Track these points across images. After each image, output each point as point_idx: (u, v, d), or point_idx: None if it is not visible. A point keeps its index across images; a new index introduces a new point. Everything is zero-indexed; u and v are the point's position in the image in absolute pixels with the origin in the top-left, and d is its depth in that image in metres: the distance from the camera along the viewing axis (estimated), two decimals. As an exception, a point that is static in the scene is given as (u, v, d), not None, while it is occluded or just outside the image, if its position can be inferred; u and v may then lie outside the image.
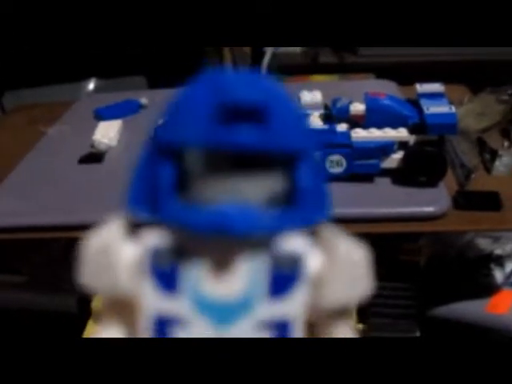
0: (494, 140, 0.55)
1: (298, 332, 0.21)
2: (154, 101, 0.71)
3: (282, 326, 0.21)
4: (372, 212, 0.48)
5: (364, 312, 0.47)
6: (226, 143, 0.19)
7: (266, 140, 0.19)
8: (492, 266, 0.53)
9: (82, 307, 0.57)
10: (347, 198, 0.49)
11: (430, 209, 0.47)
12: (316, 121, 0.54)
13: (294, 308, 0.21)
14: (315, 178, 0.20)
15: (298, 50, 1.06)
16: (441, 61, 0.88)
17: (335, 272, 0.20)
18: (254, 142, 0.19)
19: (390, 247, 0.51)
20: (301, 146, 0.19)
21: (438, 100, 0.50)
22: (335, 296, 0.21)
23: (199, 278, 0.20)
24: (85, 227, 0.52)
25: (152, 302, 0.20)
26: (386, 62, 0.94)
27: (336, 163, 0.49)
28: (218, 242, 0.19)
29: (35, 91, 0.99)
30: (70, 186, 0.56)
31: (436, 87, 0.52)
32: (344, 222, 0.48)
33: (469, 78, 0.69)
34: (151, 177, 0.20)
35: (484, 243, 0.55)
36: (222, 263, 0.20)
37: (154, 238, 0.20)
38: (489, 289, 0.52)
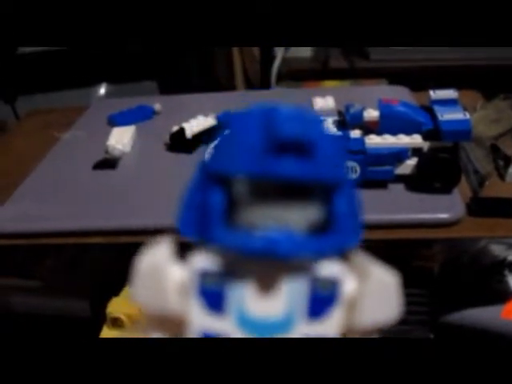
0: (507, 146, 0.55)
1: None
2: (167, 107, 0.71)
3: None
4: (386, 218, 0.48)
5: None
6: (273, 174, 0.20)
7: (310, 172, 0.20)
8: (506, 272, 0.53)
9: (96, 312, 0.57)
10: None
11: (444, 215, 0.47)
12: (330, 127, 0.54)
13: (330, 329, 0.22)
14: (350, 207, 0.21)
15: (308, 54, 1.06)
16: (453, 66, 0.88)
17: (368, 295, 0.22)
18: (299, 174, 0.20)
19: (403, 253, 0.51)
20: (339, 177, 0.21)
21: (451, 106, 0.50)
22: (368, 318, 0.22)
23: (244, 298, 0.21)
24: (98, 233, 0.52)
25: (198, 320, 0.22)
26: (398, 67, 0.94)
27: (350, 169, 0.50)
28: (263, 264, 0.21)
29: (47, 96, 1.00)
30: (84, 192, 0.56)
31: (450, 93, 0.52)
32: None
33: (482, 83, 0.69)
34: (201, 202, 0.21)
35: (498, 249, 0.54)
36: (265, 285, 0.21)
37: (202, 260, 0.21)
38: (503, 295, 0.52)
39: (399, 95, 0.60)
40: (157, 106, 0.71)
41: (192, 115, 0.63)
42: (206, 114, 0.63)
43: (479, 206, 0.49)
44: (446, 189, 0.49)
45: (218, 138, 0.22)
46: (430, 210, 0.48)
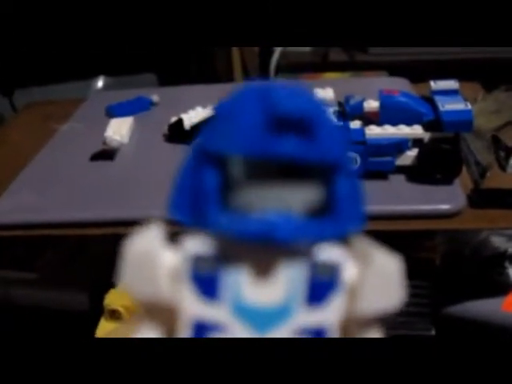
0: (508, 138, 0.54)
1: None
2: (166, 98, 0.71)
3: (318, 332, 0.21)
4: (386, 209, 0.48)
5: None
6: (271, 152, 0.19)
7: (310, 151, 0.19)
8: (507, 264, 0.53)
9: (94, 304, 0.57)
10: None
11: (445, 206, 0.47)
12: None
13: (330, 316, 0.21)
14: (352, 189, 0.20)
15: (307, 48, 1.06)
16: (453, 58, 0.88)
17: (370, 282, 0.21)
18: (299, 153, 0.19)
19: (404, 245, 0.50)
20: (340, 157, 0.20)
21: (453, 97, 0.50)
22: (369, 305, 0.21)
23: (240, 284, 0.20)
24: (97, 224, 0.52)
25: (192, 307, 0.21)
26: (397, 60, 0.93)
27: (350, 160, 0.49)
28: (259, 249, 0.20)
29: (45, 89, 0.99)
30: (82, 183, 0.56)
31: (450, 84, 0.51)
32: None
33: (482, 75, 0.68)
34: (195, 184, 0.20)
35: (499, 241, 0.54)
36: (262, 270, 0.21)
37: (195, 245, 0.20)
38: (504, 287, 0.51)
39: (399, 87, 0.59)
40: (155, 98, 0.71)
41: (190, 106, 0.63)
42: (204, 105, 0.62)
43: (480, 198, 0.48)
44: (447, 180, 0.49)
45: (213, 117, 0.20)
46: (431, 201, 0.48)
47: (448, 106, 0.49)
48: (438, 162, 0.48)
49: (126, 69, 1.04)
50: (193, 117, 0.60)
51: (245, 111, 0.19)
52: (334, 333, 0.21)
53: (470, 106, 0.48)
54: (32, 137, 0.67)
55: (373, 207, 0.47)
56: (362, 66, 0.96)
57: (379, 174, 0.50)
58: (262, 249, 0.20)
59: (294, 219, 0.20)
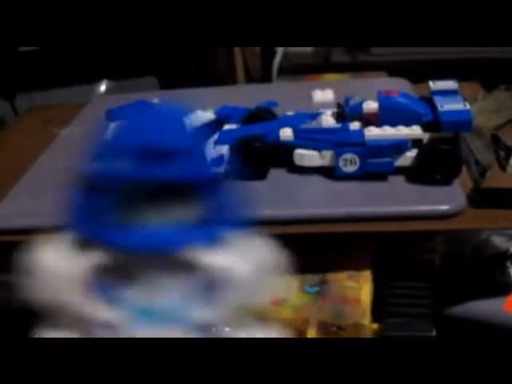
0: (508, 137, 0.54)
1: (223, 332, 0.25)
2: (166, 101, 0.71)
3: (210, 328, 0.25)
4: (386, 210, 0.48)
5: (380, 311, 0.47)
6: (142, 177, 0.23)
7: (174, 174, 0.23)
8: (508, 263, 0.53)
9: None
10: (361, 197, 0.49)
11: (445, 207, 0.47)
12: (329, 119, 0.53)
13: (219, 311, 0.24)
14: (221, 199, 0.24)
15: (309, 49, 1.06)
16: (453, 58, 0.88)
17: (251, 276, 0.24)
18: (164, 177, 0.23)
19: (404, 246, 0.50)
20: (203, 177, 0.24)
21: (451, 97, 0.50)
22: (256, 297, 0.25)
23: (137, 290, 0.24)
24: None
25: (96, 313, 0.24)
26: (398, 61, 0.93)
27: (349, 162, 0.49)
28: (152, 257, 0.23)
29: (47, 93, 0.99)
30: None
31: (450, 84, 0.51)
32: (358, 220, 0.48)
33: (482, 75, 0.68)
34: (90, 204, 0.24)
35: (499, 241, 0.54)
36: (156, 277, 0.24)
37: (96, 257, 0.24)
38: (506, 287, 0.51)
39: (399, 87, 0.59)
40: (155, 101, 0.71)
41: (191, 110, 0.63)
42: (204, 109, 0.62)
43: (480, 197, 0.48)
44: (447, 180, 0.49)
45: (100, 144, 0.26)
46: (431, 202, 0.48)
47: (447, 106, 0.48)
48: (437, 162, 0.48)
49: (129, 73, 1.04)
50: (193, 120, 0.60)
51: (124, 142, 0.24)
52: (224, 326, 0.25)
53: (468, 106, 0.48)
54: (33, 141, 0.68)
55: (373, 208, 0.47)
56: (364, 67, 0.96)
57: (379, 174, 0.50)
58: (154, 257, 0.23)
59: (174, 230, 0.23)
